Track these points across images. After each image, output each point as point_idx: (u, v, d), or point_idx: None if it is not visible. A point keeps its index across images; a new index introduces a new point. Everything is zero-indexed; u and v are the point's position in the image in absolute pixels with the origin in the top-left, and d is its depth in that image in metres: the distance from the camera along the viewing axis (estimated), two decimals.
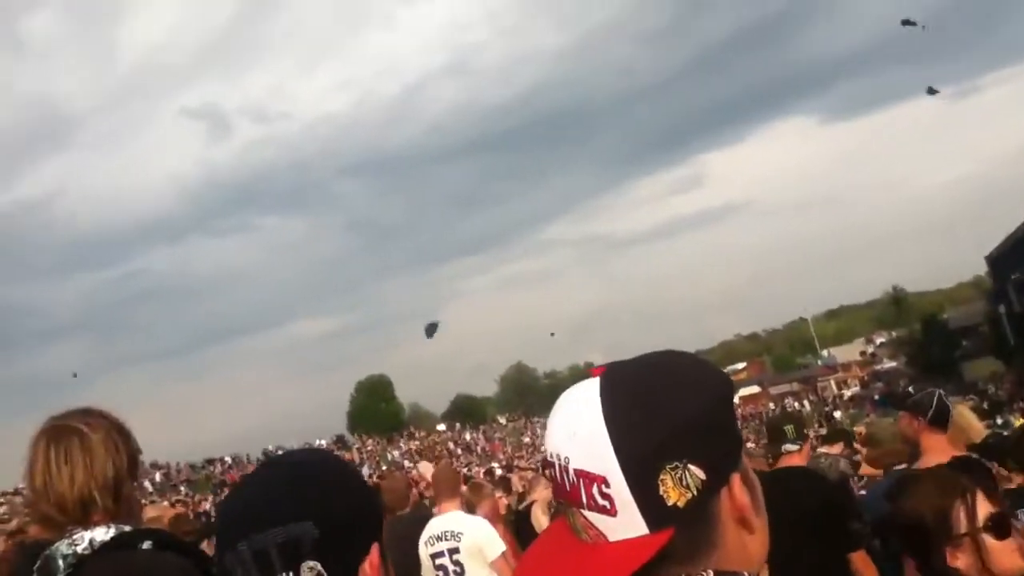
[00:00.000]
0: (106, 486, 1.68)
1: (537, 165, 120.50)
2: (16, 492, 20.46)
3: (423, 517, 5.10)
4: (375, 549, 1.03)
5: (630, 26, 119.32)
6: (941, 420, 3.21)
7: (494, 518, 5.32)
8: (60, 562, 1.57)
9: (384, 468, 30.66)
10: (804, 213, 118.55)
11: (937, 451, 3.08)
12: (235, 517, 1.01)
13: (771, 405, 59.07)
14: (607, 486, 0.82)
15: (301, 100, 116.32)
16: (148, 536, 1.66)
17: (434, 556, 4.73)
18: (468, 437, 44.11)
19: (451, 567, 4.67)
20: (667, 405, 0.84)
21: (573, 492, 0.84)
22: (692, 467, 0.82)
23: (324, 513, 0.97)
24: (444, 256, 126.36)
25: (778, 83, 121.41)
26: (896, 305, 71.00)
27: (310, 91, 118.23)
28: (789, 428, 3.91)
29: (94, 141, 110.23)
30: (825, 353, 75.54)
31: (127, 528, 1.65)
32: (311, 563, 0.95)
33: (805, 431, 4.08)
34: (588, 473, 0.83)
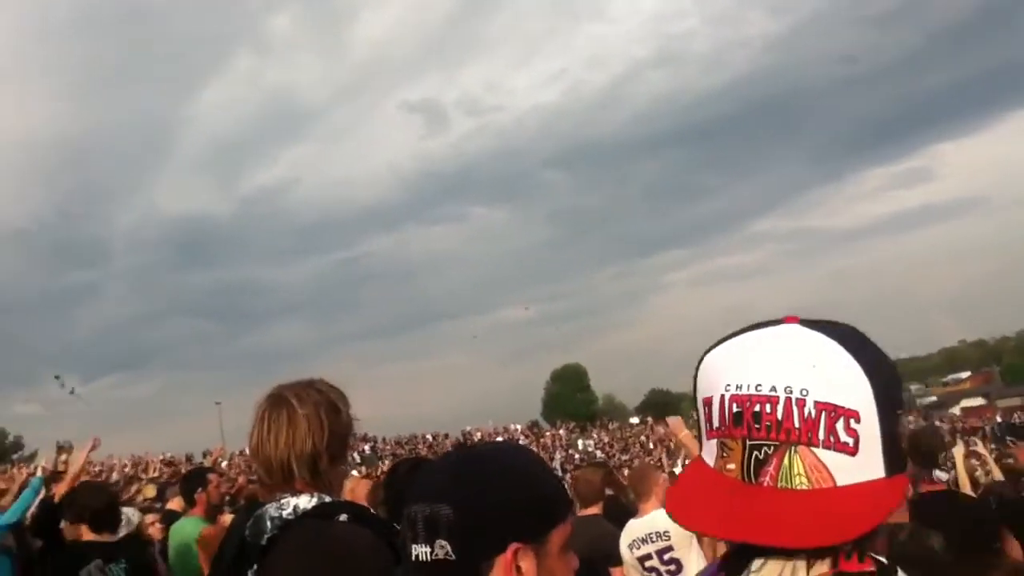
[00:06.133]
0: (303, 458, 1.77)
1: (746, 157, 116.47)
2: (242, 453, 22.59)
3: (621, 515, 5.04)
4: (514, 549, 1.04)
5: (853, 9, 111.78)
6: None
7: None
8: (268, 523, 1.71)
9: (576, 457, 30.93)
10: None
11: None
12: (414, 489, 1.12)
13: (998, 419, 53.95)
14: (857, 421, 0.78)
15: (513, 92, 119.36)
16: (346, 508, 1.76)
17: (642, 559, 4.65)
18: (662, 432, 43.55)
19: (663, 568, 4.55)
20: (889, 361, 0.84)
21: (805, 428, 0.78)
22: (904, 418, 0.82)
23: (461, 501, 1.04)
24: (647, 248, 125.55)
25: (1020, 69, 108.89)
26: None
27: (522, 83, 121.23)
28: (943, 455, 3.79)
29: (325, 132, 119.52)
30: None
31: (327, 499, 1.76)
32: (443, 542, 1.03)
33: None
34: (836, 406, 0.78)
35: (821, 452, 0.78)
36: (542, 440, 36.63)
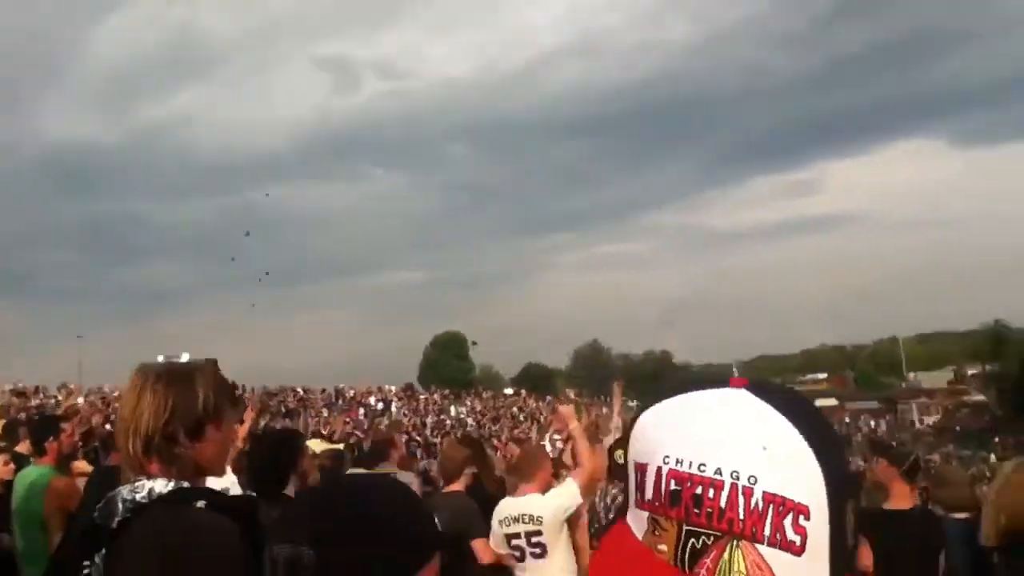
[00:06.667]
0: (138, 432, 1.76)
1: (648, 152, 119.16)
2: (99, 390, 21.64)
3: (482, 498, 5.16)
4: None
5: (765, 26, 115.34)
6: (912, 474, 4.44)
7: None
8: (120, 505, 1.66)
9: (448, 423, 31.14)
10: (917, 233, 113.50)
11: (901, 497, 4.36)
12: (279, 526, 1.09)
13: (846, 420, 57.56)
14: (806, 518, 0.70)
15: (428, 61, 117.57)
16: (203, 495, 1.72)
17: (509, 536, 4.76)
18: (533, 405, 44.34)
19: (529, 549, 4.68)
20: (839, 440, 0.76)
21: (750, 521, 0.70)
22: (851, 512, 0.73)
23: (325, 544, 1.00)
24: (540, 228, 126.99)
25: (911, 101, 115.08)
26: (996, 339, 67.40)
27: (438, 54, 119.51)
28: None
29: (229, 77, 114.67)
30: (911, 376, 72.94)
31: (185, 484, 1.72)
32: None
33: None
34: (786, 500, 0.70)
35: (765, 550, 0.70)
36: (415, 403, 36.66)
